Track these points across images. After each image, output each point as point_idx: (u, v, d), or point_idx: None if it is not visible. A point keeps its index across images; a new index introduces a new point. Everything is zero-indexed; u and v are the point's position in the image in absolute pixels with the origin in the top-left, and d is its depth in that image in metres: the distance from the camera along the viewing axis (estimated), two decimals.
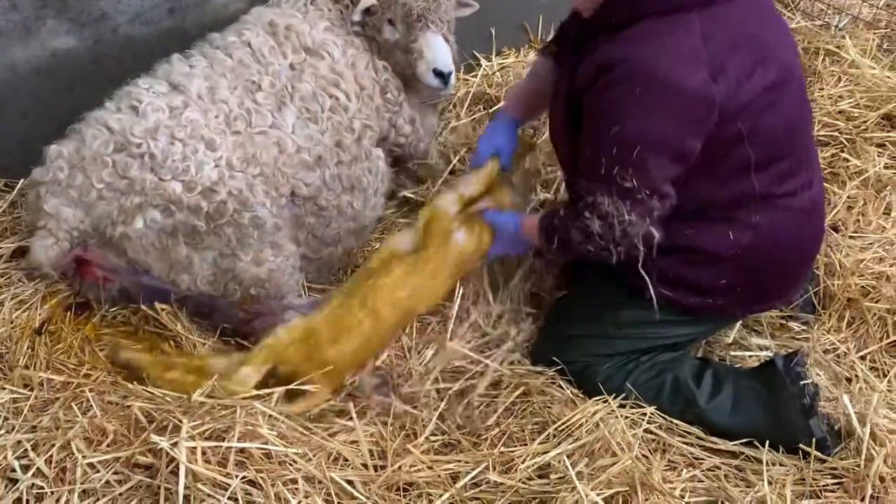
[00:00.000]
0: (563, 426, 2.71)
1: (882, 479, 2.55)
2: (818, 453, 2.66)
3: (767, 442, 2.70)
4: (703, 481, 2.62)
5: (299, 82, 3.05)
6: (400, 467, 2.49)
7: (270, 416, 2.49)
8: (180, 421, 2.37)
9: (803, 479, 2.62)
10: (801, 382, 2.69)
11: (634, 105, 2.46)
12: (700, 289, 2.75)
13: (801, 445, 2.67)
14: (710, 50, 2.45)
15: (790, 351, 2.85)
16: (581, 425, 2.69)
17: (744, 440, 2.74)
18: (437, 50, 3.21)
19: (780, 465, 2.67)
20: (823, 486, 2.61)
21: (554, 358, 2.95)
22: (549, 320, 3.12)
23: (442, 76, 3.22)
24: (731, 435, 2.76)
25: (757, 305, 2.92)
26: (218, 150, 2.80)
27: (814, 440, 2.66)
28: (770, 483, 2.58)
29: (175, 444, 2.28)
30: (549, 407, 2.80)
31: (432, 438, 2.69)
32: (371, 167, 3.24)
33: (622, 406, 2.80)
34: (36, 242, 2.73)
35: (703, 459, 2.71)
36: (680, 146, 2.49)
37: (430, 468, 2.53)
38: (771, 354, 3.00)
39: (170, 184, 2.72)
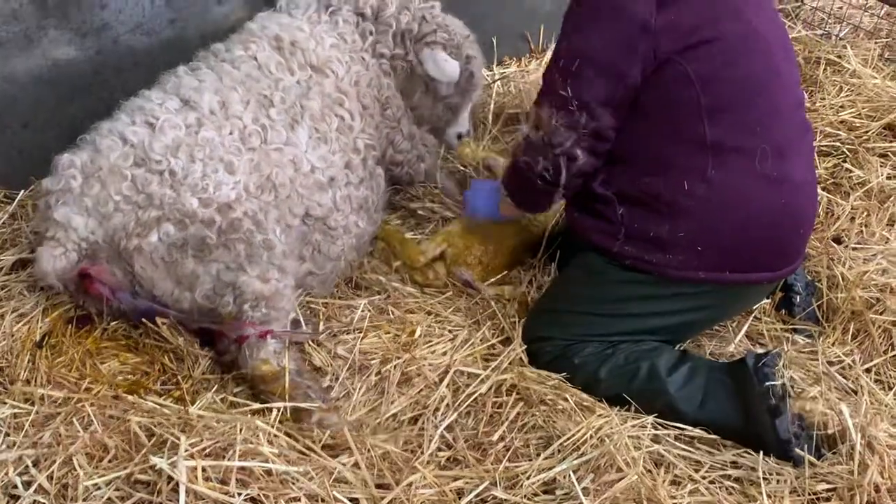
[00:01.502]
0: (568, 440, 2.69)
1: (877, 489, 2.53)
2: (781, 456, 2.67)
3: (762, 452, 2.69)
4: (705, 495, 2.60)
5: (307, 100, 3.07)
6: (410, 484, 2.46)
7: (271, 433, 2.47)
8: (178, 438, 2.36)
9: (796, 490, 2.60)
10: (767, 383, 2.68)
11: (583, 22, 2.70)
12: (661, 243, 2.80)
13: (766, 443, 2.68)
14: None
15: (764, 350, 2.83)
16: (586, 440, 2.67)
17: (740, 450, 2.73)
18: (467, 118, 3.75)
19: (777, 473, 2.65)
20: (817, 493, 2.59)
21: (538, 335, 3.02)
22: (541, 297, 3.23)
23: (459, 137, 3.75)
24: (701, 427, 2.78)
25: (725, 274, 2.84)
26: (236, 172, 2.82)
27: (779, 440, 2.66)
28: (769, 497, 2.56)
29: (174, 464, 2.26)
30: (553, 420, 2.78)
31: (438, 454, 2.67)
32: (374, 186, 3.29)
33: (624, 420, 2.78)
34: (43, 252, 2.70)
35: (704, 472, 2.68)
36: (613, 64, 2.65)
37: (435, 486, 2.50)
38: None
39: (188, 199, 2.72)
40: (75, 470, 2.34)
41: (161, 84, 3.02)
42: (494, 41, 4.44)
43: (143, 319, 2.85)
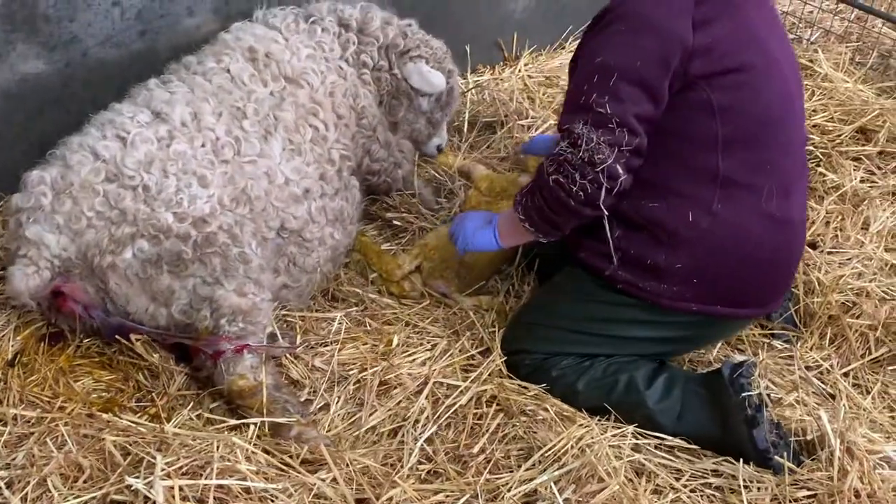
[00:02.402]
0: (549, 451, 2.67)
1: (857, 495, 2.53)
2: (760, 465, 2.66)
3: (741, 460, 2.68)
4: None
5: (281, 111, 3.05)
6: (390, 499, 2.44)
7: (248, 450, 2.44)
8: (154, 457, 2.33)
9: (777, 497, 2.60)
10: (743, 394, 2.68)
11: (618, 39, 2.64)
12: (657, 271, 2.77)
13: (745, 453, 2.68)
14: (700, 8, 2.63)
15: (739, 361, 2.83)
16: (567, 450, 2.65)
17: (720, 458, 2.74)
18: (445, 129, 3.88)
19: (758, 481, 2.64)
20: (797, 500, 2.59)
21: (517, 347, 3.00)
22: (521, 308, 3.20)
23: (439, 149, 3.89)
24: (681, 437, 2.78)
25: (718, 307, 2.84)
26: (210, 186, 2.79)
27: (757, 450, 2.66)
28: None
29: (150, 484, 2.23)
30: (534, 431, 2.76)
31: (418, 468, 2.65)
32: (349, 196, 3.27)
33: (604, 430, 2.77)
34: (16, 271, 2.66)
35: (685, 480, 2.68)
36: (651, 80, 2.61)
37: (416, 500, 2.48)
38: None
39: (163, 214, 2.69)
40: (50, 491, 2.31)
41: (132, 97, 2.99)
42: (468, 49, 4.43)
43: (117, 336, 2.81)
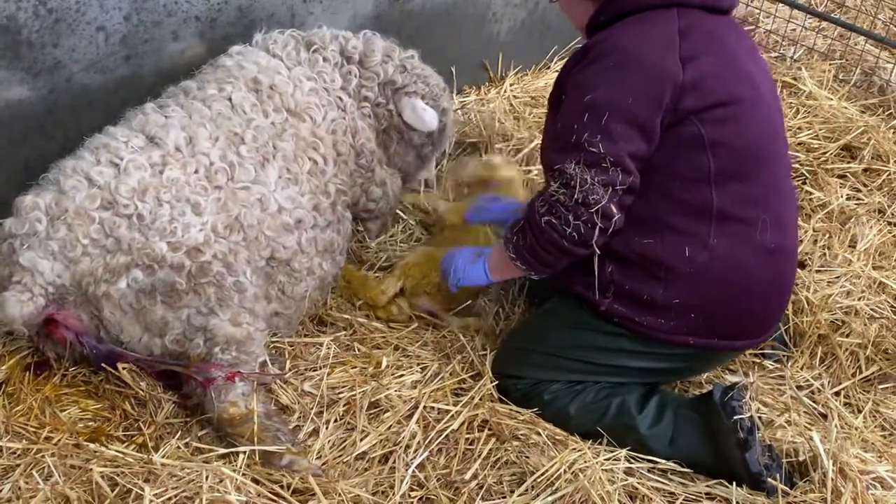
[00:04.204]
0: (542, 476, 2.65)
1: None
2: (754, 487, 2.66)
3: (735, 483, 2.68)
4: None
5: (281, 141, 3.04)
6: None
7: (238, 480, 2.42)
8: (142, 489, 2.30)
9: None
10: (735, 417, 2.66)
11: (607, 75, 2.62)
12: (654, 306, 2.75)
13: (738, 476, 2.68)
14: (684, 43, 2.63)
15: (730, 383, 2.83)
16: (560, 475, 2.64)
17: (713, 481, 2.73)
18: (434, 164, 3.90)
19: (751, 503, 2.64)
20: None
21: (508, 372, 2.98)
22: (512, 332, 3.18)
23: (427, 183, 3.93)
24: (674, 461, 2.77)
25: (715, 341, 2.84)
26: (203, 213, 2.77)
27: (750, 474, 2.64)
28: None
29: None
30: (526, 455, 2.74)
31: (410, 495, 2.62)
32: (341, 229, 3.25)
33: (597, 454, 2.75)
34: (10, 297, 2.60)
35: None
36: (644, 118, 2.58)
37: None
38: None
39: (157, 244, 2.67)
40: None
41: (127, 120, 2.96)
42: (453, 70, 4.43)
43: (104, 364, 2.78)
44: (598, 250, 2.65)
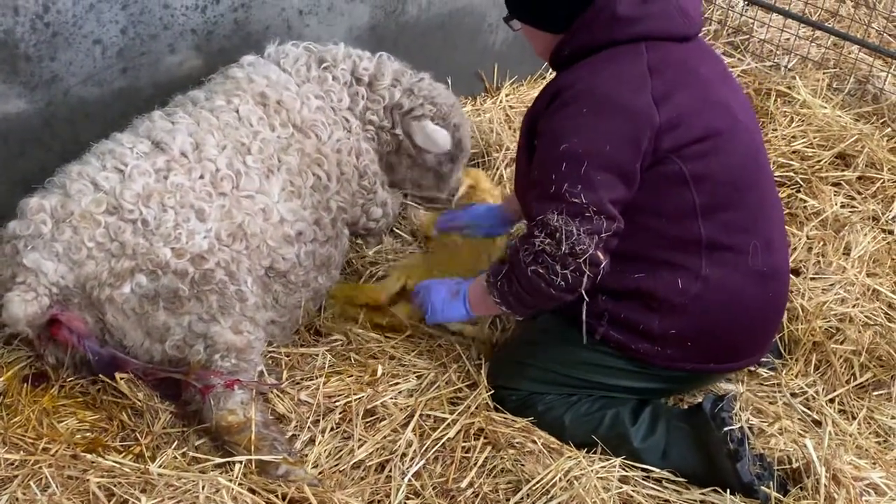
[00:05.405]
0: (537, 483, 2.66)
1: None
2: (747, 496, 2.66)
3: (728, 491, 2.69)
4: None
5: (286, 154, 3.07)
6: None
7: (234, 490, 2.43)
8: (138, 499, 2.30)
9: None
10: (725, 428, 2.67)
11: (582, 122, 2.56)
12: (651, 336, 2.76)
13: (731, 486, 2.68)
14: (656, 80, 2.58)
15: (720, 394, 2.84)
16: (555, 483, 2.65)
17: (707, 489, 2.73)
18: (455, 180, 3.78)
19: None
20: None
21: (504, 384, 2.98)
22: (507, 344, 3.18)
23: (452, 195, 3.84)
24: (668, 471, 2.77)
25: (711, 365, 2.86)
26: (207, 220, 2.79)
27: (742, 483, 2.65)
28: None
29: None
30: (521, 463, 2.75)
31: (407, 503, 2.63)
32: (339, 245, 3.27)
33: (592, 462, 2.77)
34: (14, 297, 2.62)
35: None
36: (623, 163, 2.55)
37: None
38: None
39: (161, 249, 2.69)
40: None
41: (134, 127, 3.00)
42: (449, 81, 4.44)
43: (102, 374, 2.79)
44: (585, 296, 2.64)
